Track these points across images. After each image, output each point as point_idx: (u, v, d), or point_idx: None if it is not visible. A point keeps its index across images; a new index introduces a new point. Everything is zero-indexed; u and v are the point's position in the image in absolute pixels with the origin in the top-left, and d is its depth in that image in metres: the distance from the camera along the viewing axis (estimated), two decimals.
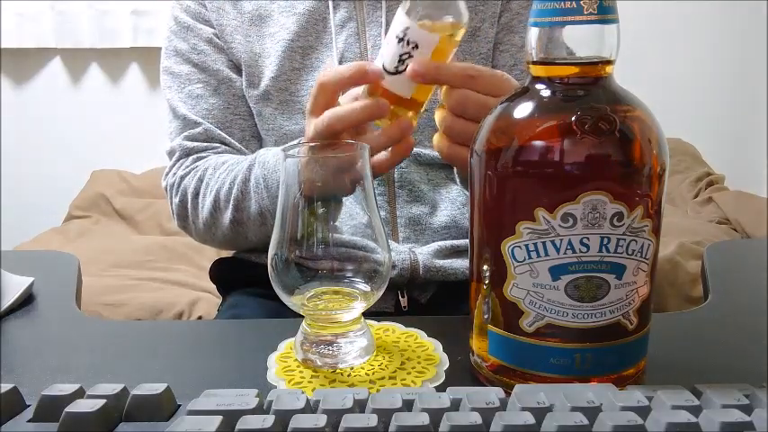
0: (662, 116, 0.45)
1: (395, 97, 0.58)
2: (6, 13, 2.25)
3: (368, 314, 0.52)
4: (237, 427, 0.33)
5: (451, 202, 0.84)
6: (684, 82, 2.38)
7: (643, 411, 0.34)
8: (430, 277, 0.78)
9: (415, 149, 0.80)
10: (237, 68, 0.86)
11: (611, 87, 0.42)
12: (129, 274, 1.68)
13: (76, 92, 2.40)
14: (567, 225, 0.40)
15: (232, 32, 0.84)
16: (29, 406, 0.38)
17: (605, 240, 0.40)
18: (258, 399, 0.36)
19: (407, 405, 0.36)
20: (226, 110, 0.85)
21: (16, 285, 0.64)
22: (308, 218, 0.48)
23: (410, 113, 0.61)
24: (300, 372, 0.49)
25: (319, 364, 0.50)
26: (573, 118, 0.40)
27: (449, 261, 0.80)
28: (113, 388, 0.37)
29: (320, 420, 0.33)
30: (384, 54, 0.58)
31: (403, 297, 0.80)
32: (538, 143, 0.41)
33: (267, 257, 0.50)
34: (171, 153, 0.86)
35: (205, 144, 0.84)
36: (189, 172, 0.83)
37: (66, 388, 0.37)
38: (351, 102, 0.60)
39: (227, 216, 0.78)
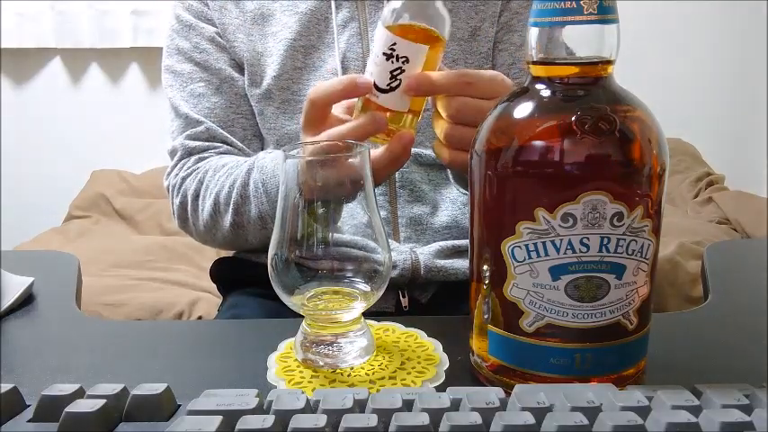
0: (662, 116, 0.45)
1: (391, 112, 0.59)
2: (6, 13, 2.25)
3: (368, 314, 0.52)
4: (237, 427, 0.33)
5: (452, 202, 0.84)
6: (684, 82, 2.38)
7: (643, 411, 0.34)
8: (431, 277, 0.78)
9: (415, 150, 0.80)
10: (239, 67, 0.86)
11: (611, 87, 0.42)
12: (129, 274, 1.68)
13: (76, 92, 2.40)
14: (567, 225, 0.40)
15: (234, 31, 0.84)
16: (29, 406, 0.38)
17: (605, 240, 0.40)
18: (258, 399, 0.36)
19: (407, 405, 0.36)
20: (227, 109, 0.85)
21: (16, 285, 0.64)
22: (308, 218, 0.48)
23: (408, 124, 0.61)
24: (300, 372, 0.49)
25: (319, 364, 0.50)
26: (573, 118, 0.40)
27: (450, 261, 0.80)
28: (113, 388, 0.37)
29: (320, 420, 0.33)
30: (373, 73, 0.58)
31: (404, 297, 0.80)
32: (538, 143, 0.41)
33: (267, 257, 0.50)
34: (173, 153, 0.86)
35: (207, 143, 0.84)
36: (190, 173, 0.83)
37: (66, 388, 0.37)
38: (343, 112, 0.60)
39: (227, 219, 0.78)
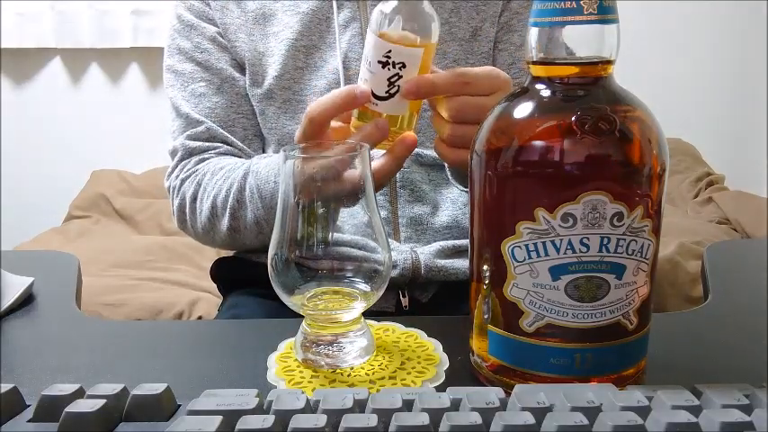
0: (662, 116, 0.45)
1: (391, 117, 0.59)
2: (6, 13, 2.25)
3: (368, 314, 0.52)
4: (237, 427, 0.33)
5: (453, 202, 0.84)
6: (684, 82, 2.38)
7: (643, 411, 0.34)
8: (431, 277, 0.78)
9: (416, 150, 0.80)
10: (241, 67, 0.86)
11: (611, 87, 0.42)
12: (129, 274, 1.68)
13: (76, 92, 2.40)
14: (567, 225, 0.40)
15: (236, 31, 0.84)
16: (29, 406, 0.38)
17: (605, 240, 0.40)
18: (258, 399, 0.36)
19: (407, 405, 0.36)
20: (228, 108, 0.85)
21: (16, 285, 0.64)
22: (307, 218, 0.48)
23: (408, 126, 0.61)
24: (300, 372, 0.49)
25: (319, 364, 0.50)
26: (573, 118, 0.40)
27: (450, 261, 0.80)
28: (113, 388, 0.37)
29: (320, 420, 0.33)
30: (369, 81, 0.57)
31: (404, 297, 0.80)
32: (538, 143, 0.41)
33: (267, 257, 0.50)
34: (173, 153, 0.86)
35: (207, 144, 0.84)
36: (189, 175, 0.83)
37: (66, 388, 0.37)
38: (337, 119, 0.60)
39: (224, 223, 0.78)
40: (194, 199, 0.82)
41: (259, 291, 0.85)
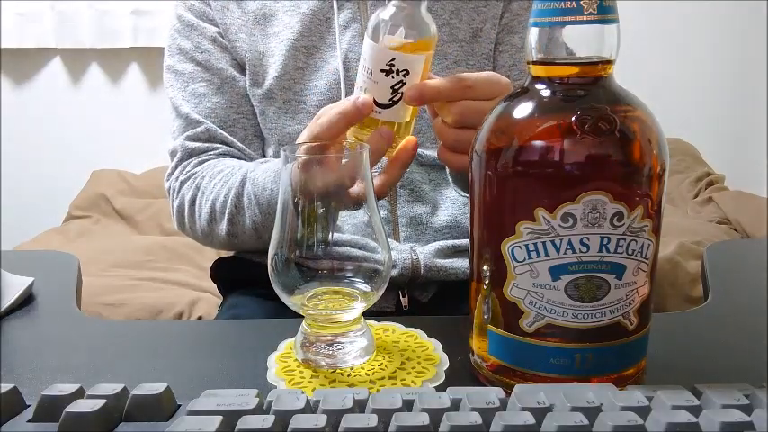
0: (662, 116, 0.45)
1: (392, 124, 0.59)
2: (6, 13, 2.25)
3: (368, 313, 0.52)
4: (237, 427, 0.33)
5: (452, 202, 0.84)
6: (684, 82, 2.38)
7: (643, 411, 0.34)
8: (431, 277, 0.78)
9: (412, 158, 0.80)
10: (241, 67, 0.86)
11: (611, 87, 0.42)
12: (129, 274, 1.68)
13: (76, 92, 2.40)
14: (567, 225, 0.40)
15: (236, 31, 0.84)
16: (29, 406, 0.38)
17: (605, 240, 0.40)
18: (258, 399, 0.36)
19: (407, 405, 0.36)
20: (229, 109, 0.85)
21: (16, 285, 0.64)
22: (307, 218, 0.48)
23: (408, 131, 0.61)
24: (300, 372, 0.49)
25: (320, 364, 0.50)
26: (573, 118, 0.40)
27: (450, 261, 0.80)
28: (113, 388, 0.37)
29: (320, 420, 0.33)
30: (370, 90, 0.57)
31: (404, 297, 0.80)
32: (538, 143, 0.41)
33: (267, 257, 0.50)
34: (173, 153, 0.86)
35: (206, 145, 0.84)
36: (188, 178, 0.83)
37: (66, 388, 0.37)
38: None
39: (222, 228, 0.78)
40: (193, 203, 0.82)
41: (259, 291, 0.85)
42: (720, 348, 0.53)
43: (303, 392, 0.37)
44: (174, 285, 1.66)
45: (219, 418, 0.34)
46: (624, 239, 0.40)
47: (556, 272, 0.41)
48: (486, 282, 0.44)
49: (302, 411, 0.35)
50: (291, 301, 0.50)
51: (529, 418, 0.33)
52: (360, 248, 0.51)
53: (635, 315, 0.43)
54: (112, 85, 2.41)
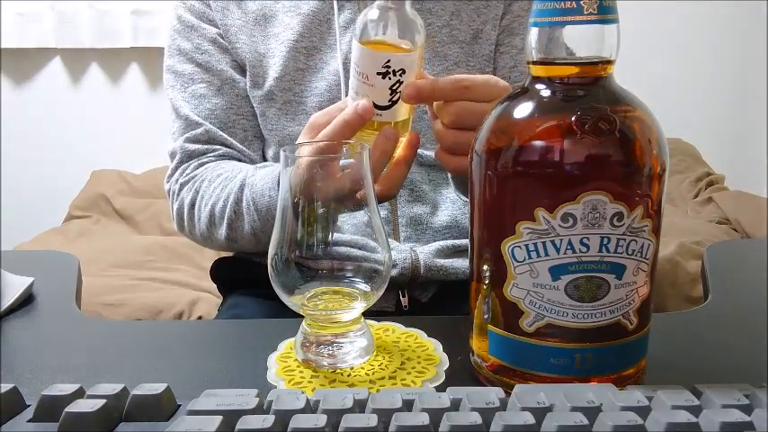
0: (662, 116, 0.45)
1: (393, 123, 0.59)
2: (6, 13, 2.25)
3: (368, 313, 0.52)
4: (237, 427, 0.33)
5: (452, 202, 0.84)
6: (684, 82, 2.38)
7: (643, 411, 0.34)
8: (431, 276, 0.78)
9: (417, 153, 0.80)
10: (241, 68, 0.86)
11: (611, 87, 0.42)
12: (129, 274, 1.68)
13: (76, 92, 2.40)
14: (567, 225, 0.40)
15: (237, 32, 0.84)
16: (29, 406, 0.38)
17: (605, 240, 0.40)
18: (258, 399, 0.36)
19: (407, 405, 0.36)
20: (228, 110, 0.85)
21: (16, 285, 0.64)
22: (307, 218, 0.48)
23: (407, 128, 0.61)
24: (300, 372, 0.49)
25: (320, 364, 0.50)
26: (573, 118, 0.40)
27: (450, 261, 0.80)
28: (113, 388, 0.37)
29: (320, 420, 0.33)
30: (370, 94, 0.57)
31: (404, 296, 0.80)
32: (538, 143, 0.41)
33: (267, 258, 0.50)
34: (172, 155, 0.86)
35: (206, 146, 0.84)
36: (188, 181, 0.83)
37: (66, 388, 0.37)
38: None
39: (221, 232, 0.78)
40: (192, 206, 0.82)
41: (259, 291, 0.85)
42: (720, 348, 0.53)
43: (303, 392, 0.37)
44: (174, 285, 1.66)
45: (219, 418, 0.34)
46: (624, 239, 0.40)
47: (556, 272, 0.41)
48: (486, 282, 0.44)
49: (302, 411, 0.35)
50: (291, 301, 0.50)
51: (529, 418, 0.33)
52: (360, 248, 0.51)
53: (635, 315, 0.43)
54: (112, 85, 2.41)
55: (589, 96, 0.42)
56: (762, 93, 2.33)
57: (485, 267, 0.44)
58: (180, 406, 0.38)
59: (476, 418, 0.33)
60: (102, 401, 0.35)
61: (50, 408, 0.36)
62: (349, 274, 0.50)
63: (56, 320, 0.62)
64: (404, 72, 0.57)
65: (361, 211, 0.49)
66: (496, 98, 0.57)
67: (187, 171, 0.84)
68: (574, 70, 0.42)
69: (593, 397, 0.35)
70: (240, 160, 0.85)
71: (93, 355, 0.54)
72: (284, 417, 0.34)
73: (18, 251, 1.63)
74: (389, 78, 0.56)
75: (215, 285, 0.98)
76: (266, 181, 0.72)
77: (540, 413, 0.34)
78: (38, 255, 1.09)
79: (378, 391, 0.41)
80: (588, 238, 0.40)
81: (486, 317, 0.45)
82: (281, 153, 0.48)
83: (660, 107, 0.54)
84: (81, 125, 2.39)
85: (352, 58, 0.58)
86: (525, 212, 0.41)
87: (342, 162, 0.51)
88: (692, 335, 0.56)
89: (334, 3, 0.81)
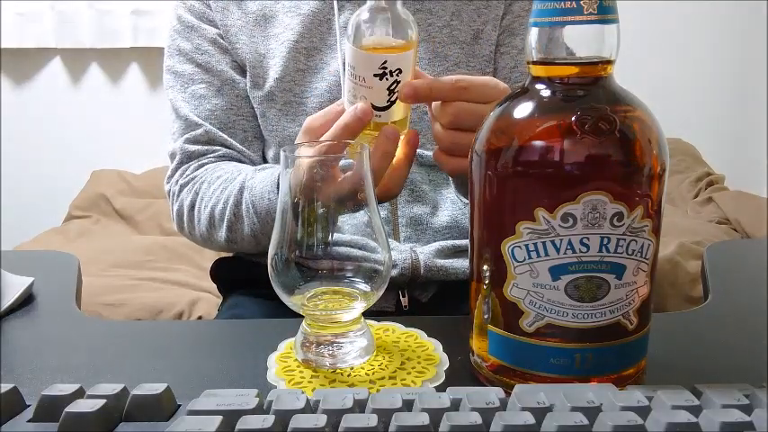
0: (662, 116, 0.45)
1: (389, 123, 0.59)
2: (6, 13, 2.25)
3: (368, 313, 0.52)
4: (237, 427, 0.33)
5: (453, 203, 0.84)
6: (684, 82, 2.38)
7: (643, 411, 0.34)
8: (431, 277, 0.78)
9: (417, 151, 0.80)
10: (241, 69, 0.86)
11: (611, 87, 0.42)
12: (129, 274, 1.68)
13: (76, 92, 2.40)
14: (566, 225, 0.40)
15: (237, 33, 0.84)
16: (29, 406, 0.38)
17: (605, 240, 0.40)
18: (258, 399, 0.36)
19: (407, 405, 0.36)
20: (228, 111, 0.85)
21: (16, 285, 0.64)
22: (307, 218, 0.48)
23: (405, 126, 0.61)
24: (300, 372, 0.49)
25: (319, 363, 0.50)
26: (573, 118, 0.40)
27: (450, 261, 0.80)
28: (113, 388, 0.37)
29: (320, 420, 0.33)
30: (368, 96, 0.57)
31: (404, 296, 0.80)
32: (538, 143, 0.41)
33: (267, 258, 0.50)
34: (172, 156, 0.86)
35: (205, 147, 0.84)
36: (188, 182, 0.83)
37: (66, 388, 0.37)
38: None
39: (221, 234, 0.78)
40: (192, 208, 0.82)
41: (259, 291, 0.85)
42: (720, 348, 0.53)
43: (303, 392, 0.37)
44: (174, 285, 1.66)
45: (219, 418, 0.34)
46: (624, 239, 0.40)
47: (556, 272, 0.41)
48: (486, 282, 0.44)
49: (302, 411, 0.35)
50: (291, 301, 0.50)
51: (529, 418, 0.33)
52: (360, 248, 0.51)
53: (635, 315, 0.43)
54: (112, 85, 2.41)
55: (589, 96, 0.42)
56: (762, 93, 2.33)
57: (485, 267, 0.44)
58: (180, 406, 0.38)
59: (476, 418, 0.33)
60: (102, 401, 0.35)
61: (50, 408, 0.36)
62: (349, 274, 0.50)
63: (56, 320, 0.62)
64: (400, 71, 0.57)
65: (362, 212, 0.49)
66: (495, 100, 0.58)
67: (187, 172, 0.84)
68: (574, 70, 0.42)
69: (593, 397, 0.35)
70: (240, 161, 0.85)
71: (93, 355, 0.54)
72: (284, 417, 0.34)
73: (18, 251, 1.63)
74: (387, 79, 0.56)
75: (215, 285, 0.98)
76: (265, 184, 0.72)
77: (540, 413, 0.34)
78: (38, 255, 1.09)
79: (378, 391, 0.41)
80: (588, 238, 0.40)
81: (486, 317, 0.45)
82: (282, 153, 0.48)
83: (660, 107, 0.54)
84: (81, 125, 2.39)
85: (347, 61, 0.58)
86: (525, 212, 0.41)
87: (342, 162, 0.51)
88: (692, 335, 0.56)
89: (335, 3, 0.81)
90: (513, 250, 0.42)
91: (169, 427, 0.34)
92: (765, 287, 0.65)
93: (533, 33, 0.42)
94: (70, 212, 2.16)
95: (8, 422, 0.36)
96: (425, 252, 0.79)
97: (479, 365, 0.47)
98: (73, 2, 2.26)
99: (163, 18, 2.24)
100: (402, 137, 0.61)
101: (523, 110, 0.43)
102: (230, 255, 0.92)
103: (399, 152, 0.61)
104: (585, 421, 0.33)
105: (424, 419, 0.33)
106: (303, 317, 0.51)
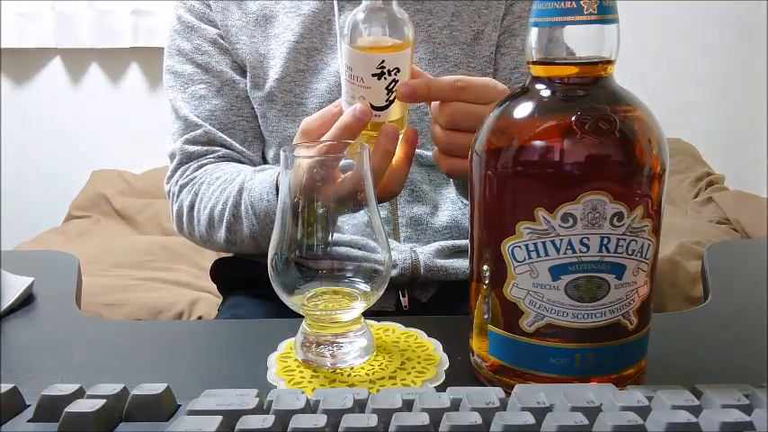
0: (662, 116, 0.45)
1: (392, 123, 0.59)
2: (6, 13, 2.25)
3: (368, 313, 0.52)
4: (237, 427, 0.33)
5: (453, 203, 0.84)
6: (685, 82, 2.38)
7: (643, 411, 0.34)
8: (431, 277, 0.79)
9: (417, 151, 0.80)
10: (241, 69, 0.86)
11: (611, 87, 0.42)
12: (129, 274, 1.68)
13: (76, 92, 2.40)
14: (567, 225, 0.40)
15: (237, 33, 0.84)
16: (29, 406, 0.38)
17: (605, 240, 0.40)
18: (258, 399, 0.36)
19: (407, 405, 0.36)
20: (228, 111, 0.85)
21: (16, 285, 0.64)
22: (307, 218, 0.48)
23: (404, 124, 0.61)
24: (300, 372, 0.49)
25: (320, 363, 0.50)
26: (573, 118, 0.40)
27: (450, 261, 0.80)
28: (113, 388, 0.37)
29: (320, 420, 0.33)
30: (367, 96, 0.57)
31: (404, 296, 0.80)
32: (538, 143, 0.41)
33: (267, 258, 0.50)
34: (172, 156, 0.86)
35: (205, 148, 0.84)
36: (187, 183, 0.83)
37: (66, 388, 0.37)
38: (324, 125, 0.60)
39: (220, 235, 0.78)
40: (191, 208, 0.82)
41: (259, 291, 0.85)
42: (720, 348, 0.53)
43: (303, 392, 0.37)
44: (174, 285, 1.66)
45: (219, 418, 0.34)
46: (624, 239, 0.40)
47: (556, 272, 0.41)
48: (486, 282, 0.44)
49: (302, 411, 0.35)
50: (291, 301, 0.50)
51: (529, 418, 0.33)
52: (360, 249, 0.51)
53: (635, 315, 0.43)
54: (112, 85, 2.41)
55: (589, 96, 0.42)
56: (762, 93, 2.33)
57: (485, 267, 0.44)
58: (180, 406, 0.38)
59: (476, 418, 0.33)
60: (102, 401, 0.35)
61: (50, 408, 0.36)
62: (349, 275, 0.50)
63: (56, 320, 0.62)
64: (398, 71, 0.57)
65: (362, 212, 0.49)
66: (494, 100, 0.58)
67: (186, 173, 0.84)
68: (574, 70, 0.42)
69: (593, 397, 0.35)
70: (240, 161, 0.85)
71: (93, 355, 0.54)
72: (284, 417, 0.34)
73: (18, 251, 1.63)
74: (385, 78, 0.57)
75: (215, 285, 0.98)
76: (264, 185, 0.72)
77: (540, 413, 0.34)
78: (38, 255, 1.09)
79: (378, 391, 0.41)
80: (588, 238, 0.40)
81: (486, 317, 0.45)
82: (282, 153, 0.48)
83: (660, 107, 0.54)
84: (81, 125, 2.39)
85: (344, 62, 0.58)
86: (525, 212, 0.41)
87: (342, 162, 0.51)
88: (692, 335, 0.56)
89: (335, 3, 0.81)
90: (513, 250, 0.42)
91: (169, 427, 0.34)
92: (765, 287, 0.65)
93: (533, 33, 0.42)
94: (70, 212, 2.16)
95: (8, 422, 0.36)
96: (425, 252, 0.79)
97: (479, 365, 0.47)
98: (73, 2, 2.26)
99: (163, 18, 2.24)
100: (401, 136, 0.61)
101: (523, 110, 0.43)
102: (230, 255, 0.92)
103: (399, 151, 0.61)
104: (585, 421, 0.33)
105: (424, 419, 0.33)
106: (303, 317, 0.51)
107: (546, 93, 0.43)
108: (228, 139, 0.85)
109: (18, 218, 2.36)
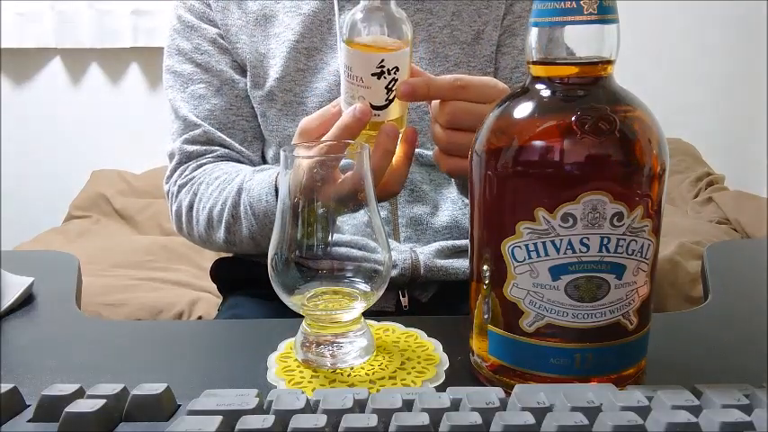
0: (662, 116, 0.45)
1: (392, 122, 0.59)
2: (6, 13, 2.25)
3: (368, 313, 0.52)
4: (237, 427, 0.33)
5: (453, 203, 0.84)
6: (685, 82, 2.38)
7: (643, 411, 0.34)
8: (431, 277, 0.78)
9: (417, 150, 0.80)
10: (241, 69, 0.86)
11: (611, 87, 0.42)
12: (129, 274, 1.68)
13: (76, 92, 2.40)
14: (566, 225, 0.40)
15: (237, 32, 0.84)
16: (29, 406, 0.38)
17: (605, 240, 0.40)
18: (258, 399, 0.36)
19: (407, 405, 0.36)
20: (228, 111, 0.85)
21: (16, 285, 0.64)
22: (307, 218, 0.48)
23: (403, 123, 0.61)
24: (300, 372, 0.49)
25: (320, 363, 0.50)
26: (573, 118, 0.40)
27: (450, 261, 0.80)
28: (113, 388, 0.37)
29: (320, 420, 0.33)
30: (366, 95, 0.57)
31: (404, 297, 0.80)
32: (538, 143, 0.41)
33: (267, 258, 0.50)
34: (171, 156, 0.86)
35: (204, 148, 0.84)
36: (186, 183, 0.83)
37: (66, 388, 0.37)
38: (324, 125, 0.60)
39: (219, 236, 0.78)
40: (190, 209, 0.82)
41: (259, 291, 0.85)
42: (720, 348, 0.53)
43: (303, 392, 0.37)
44: (174, 285, 1.66)
45: (219, 418, 0.34)
46: (624, 239, 0.40)
47: (556, 272, 0.41)
48: (486, 282, 0.44)
49: (302, 411, 0.35)
50: (291, 301, 0.50)
51: (529, 418, 0.33)
52: (360, 249, 0.51)
53: (635, 315, 0.43)
54: (112, 85, 2.41)
55: (589, 96, 0.42)
56: (762, 93, 2.33)
57: (485, 267, 0.44)
58: (180, 406, 0.38)
59: (476, 418, 0.33)
60: (102, 401, 0.35)
61: (50, 408, 0.36)
62: (349, 275, 0.50)
63: (56, 320, 0.62)
64: (398, 69, 0.57)
65: (362, 212, 0.49)
66: (494, 100, 0.58)
67: (186, 173, 0.84)
68: (574, 70, 0.42)
69: (593, 397, 0.35)
70: (239, 161, 0.85)
71: (93, 355, 0.54)
72: (284, 417, 0.34)
73: (18, 251, 1.63)
74: (384, 78, 0.56)
75: (215, 285, 0.98)
76: (263, 186, 0.72)
77: (540, 413, 0.34)
78: (38, 255, 1.09)
79: (378, 391, 0.41)
80: (588, 238, 0.40)
81: (486, 317, 0.45)
82: (281, 153, 0.48)
83: (660, 107, 0.54)
84: (81, 125, 2.39)
85: (343, 62, 0.58)
86: (525, 212, 0.41)
87: (342, 162, 0.51)
88: (692, 335, 0.56)
89: (335, 3, 0.81)
90: (513, 250, 0.42)
91: (169, 427, 0.34)
92: (765, 287, 0.65)
93: (533, 33, 0.42)
94: (70, 212, 2.16)
95: (8, 422, 0.36)
96: (425, 252, 0.79)
97: (479, 365, 0.47)
98: (73, 2, 2.26)
99: (163, 18, 2.24)
100: (400, 135, 0.61)
101: (523, 110, 0.43)
102: (230, 255, 0.92)
103: (399, 150, 0.61)
104: (585, 421, 0.33)
105: (424, 419, 0.33)
106: (303, 317, 0.51)
107: (546, 93, 0.43)
108: (228, 139, 0.85)
109: (18, 218, 2.36)
